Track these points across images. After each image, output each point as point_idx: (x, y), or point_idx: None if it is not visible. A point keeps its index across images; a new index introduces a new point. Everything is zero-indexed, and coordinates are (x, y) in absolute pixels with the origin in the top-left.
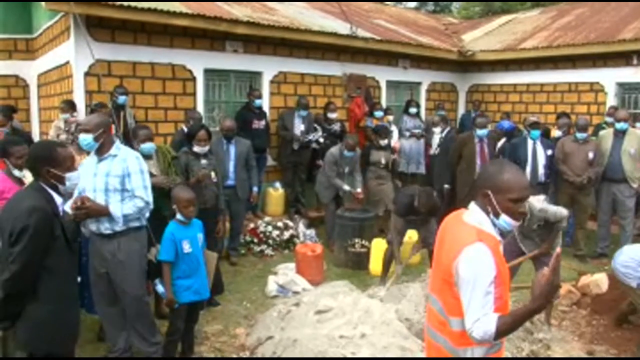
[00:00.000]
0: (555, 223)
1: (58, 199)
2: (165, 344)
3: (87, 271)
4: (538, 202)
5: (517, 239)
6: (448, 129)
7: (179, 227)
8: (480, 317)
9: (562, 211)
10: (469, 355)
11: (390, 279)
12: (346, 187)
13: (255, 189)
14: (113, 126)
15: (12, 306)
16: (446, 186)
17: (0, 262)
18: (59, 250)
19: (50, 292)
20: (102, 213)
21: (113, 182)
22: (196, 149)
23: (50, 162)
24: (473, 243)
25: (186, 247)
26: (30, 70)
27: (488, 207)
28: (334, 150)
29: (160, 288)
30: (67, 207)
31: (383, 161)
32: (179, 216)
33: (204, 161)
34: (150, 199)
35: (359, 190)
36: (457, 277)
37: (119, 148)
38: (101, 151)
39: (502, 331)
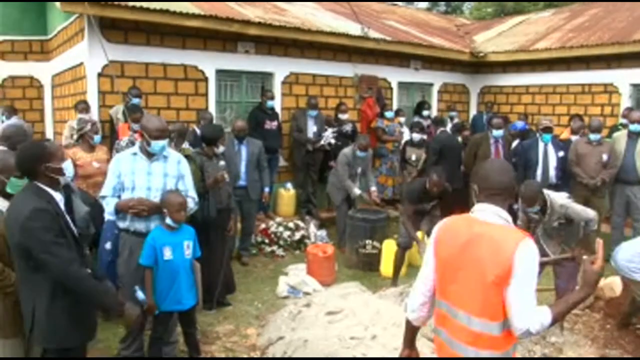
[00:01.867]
0: (581, 224)
1: (57, 196)
2: (147, 349)
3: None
4: (560, 198)
5: (540, 239)
6: (441, 129)
7: (164, 232)
8: (536, 310)
9: (589, 212)
10: (511, 353)
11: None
12: (357, 191)
13: (266, 189)
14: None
15: (100, 294)
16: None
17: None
18: (67, 247)
19: (60, 288)
20: (159, 210)
21: (170, 182)
22: (221, 149)
23: (47, 157)
24: (524, 238)
25: (167, 254)
26: (44, 71)
27: (509, 204)
28: (347, 150)
29: (139, 294)
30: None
31: (413, 157)
32: (168, 221)
33: (222, 162)
34: (197, 199)
35: (373, 189)
36: (514, 275)
37: (168, 150)
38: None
39: (556, 320)
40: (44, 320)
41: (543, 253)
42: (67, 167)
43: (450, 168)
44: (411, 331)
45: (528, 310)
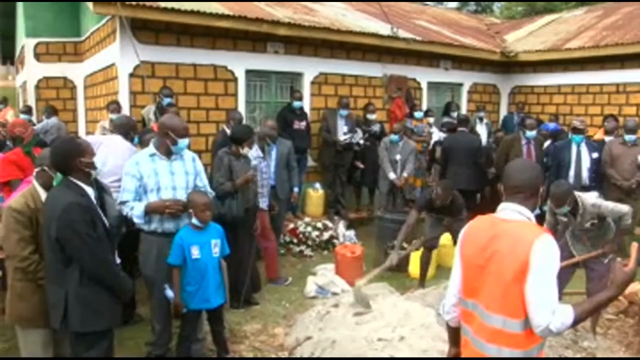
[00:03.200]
0: (611, 225)
1: (89, 191)
2: (176, 348)
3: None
4: (591, 197)
5: (568, 242)
6: (460, 129)
7: (191, 232)
8: (556, 309)
9: (622, 207)
10: (532, 354)
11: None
12: (391, 175)
13: (295, 189)
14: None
15: (122, 281)
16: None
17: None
18: (100, 239)
19: (86, 276)
20: (187, 208)
21: (191, 180)
22: (248, 151)
23: (80, 152)
24: (542, 234)
25: (195, 253)
26: (77, 72)
27: (536, 204)
28: (386, 138)
29: (169, 292)
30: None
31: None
32: (194, 220)
33: (254, 162)
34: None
35: (404, 174)
36: (530, 271)
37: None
38: (170, 151)
39: (580, 320)
40: (76, 306)
41: (571, 256)
42: (97, 161)
43: (459, 169)
44: (452, 331)
45: (546, 307)
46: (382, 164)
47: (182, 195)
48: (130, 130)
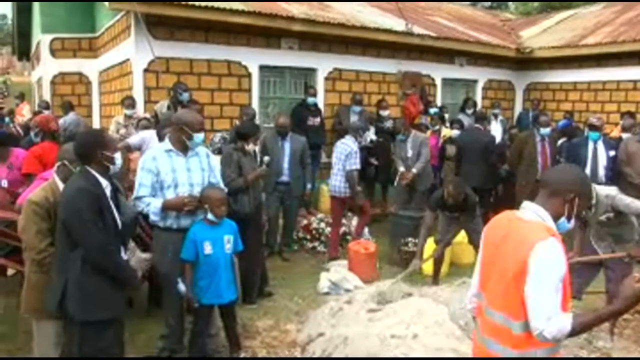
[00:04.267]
0: (635, 225)
1: (103, 182)
2: (189, 343)
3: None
4: (605, 189)
5: (591, 240)
6: (476, 125)
7: (204, 227)
8: (553, 315)
9: (638, 204)
10: (531, 355)
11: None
12: (400, 168)
13: (308, 185)
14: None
15: (125, 270)
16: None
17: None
18: (106, 230)
19: (88, 264)
20: (201, 205)
21: (206, 176)
22: (253, 147)
23: (103, 145)
24: (546, 238)
25: (207, 249)
26: (92, 67)
27: (562, 209)
28: (400, 136)
29: (181, 287)
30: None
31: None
32: (209, 216)
33: (266, 157)
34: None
35: (413, 170)
36: (528, 274)
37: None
38: (186, 147)
39: (579, 331)
40: (75, 293)
41: (594, 253)
42: (117, 157)
43: (473, 167)
44: (475, 322)
45: (542, 312)
46: (394, 157)
47: (198, 192)
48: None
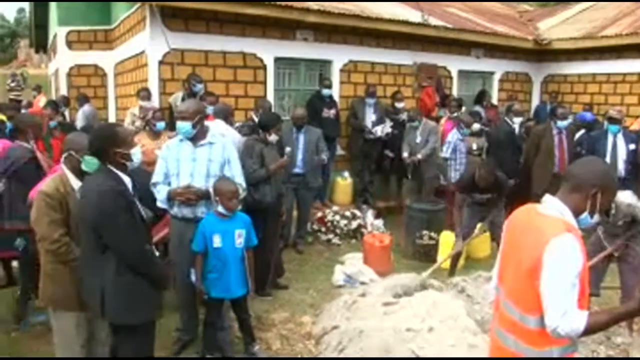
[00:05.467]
0: None
1: (126, 179)
2: (202, 334)
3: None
4: (625, 196)
5: (601, 238)
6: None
7: (216, 219)
8: (568, 312)
9: None
10: (547, 355)
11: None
12: (405, 154)
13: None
14: None
15: (161, 271)
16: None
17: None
18: (137, 229)
19: (123, 266)
20: (206, 195)
21: (214, 167)
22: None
23: (117, 142)
24: (562, 233)
25: (216, 242)
26: (108, 59)
27: (583, 204)
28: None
29: (193, 277)
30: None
31: (474, 147)
32: (220, 209)
33: (288, 148)
34: (245, 185)
35: (418, 156)
36: (543, 270)
37: (215, 135)
38: (197, 137)
39: (593, 330)
40: (112, 297)
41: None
42: (136, 153)
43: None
44: None
45: (555, 308)
46: (403, 145)
47: (200, 183)
48: (229, 114)
